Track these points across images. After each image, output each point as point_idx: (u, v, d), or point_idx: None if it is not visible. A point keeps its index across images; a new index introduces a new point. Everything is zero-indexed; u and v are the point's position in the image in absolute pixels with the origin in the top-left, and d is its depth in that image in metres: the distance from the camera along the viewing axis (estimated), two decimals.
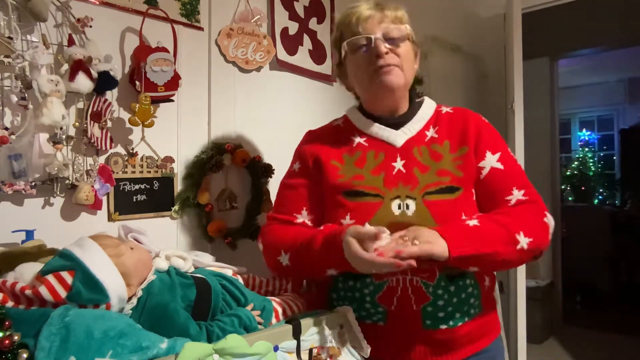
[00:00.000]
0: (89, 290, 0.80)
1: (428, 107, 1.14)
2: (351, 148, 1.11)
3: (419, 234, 0.89)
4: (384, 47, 1.02)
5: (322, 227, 1.03)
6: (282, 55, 1.75)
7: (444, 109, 1.14)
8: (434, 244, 0.88)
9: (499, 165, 1.05)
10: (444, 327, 0.98)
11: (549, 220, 1.03)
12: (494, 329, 1.10)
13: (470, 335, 1.03)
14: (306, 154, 1.14)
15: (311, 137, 1.20)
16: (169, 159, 1.42)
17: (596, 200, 6.16)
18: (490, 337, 1.09)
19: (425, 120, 1.11)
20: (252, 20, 1.64)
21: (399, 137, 1.08)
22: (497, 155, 1.06)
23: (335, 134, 1.16)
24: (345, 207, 1.03)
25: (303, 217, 1.11)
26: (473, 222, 0.96)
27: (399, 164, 1.05)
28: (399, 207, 0.99)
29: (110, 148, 1.27)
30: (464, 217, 0.99)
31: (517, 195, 1.03)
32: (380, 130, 1.10)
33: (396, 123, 1.10)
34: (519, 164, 1.11)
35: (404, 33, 1.06)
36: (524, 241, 0.95)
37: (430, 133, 1.09)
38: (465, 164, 1.04)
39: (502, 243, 0.94)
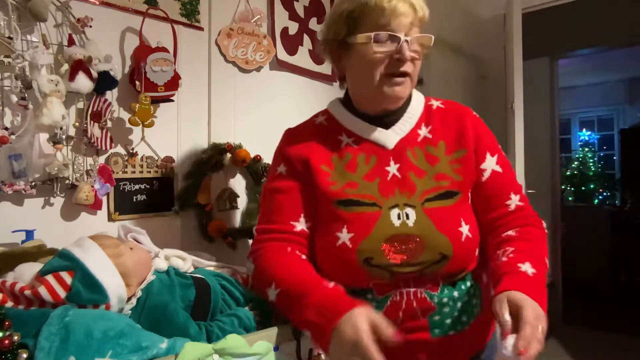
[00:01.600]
0: (88, 291, 0.80)
1: (417, 101, 1.06)
2: (340, 150, 1.02)
3: (536, 318, 0.77)
4: (409, 53, 0.94)
5: (325, 284, 0.87)
6: (282, 55, 1.75)
7: (434, 103, 1.08)
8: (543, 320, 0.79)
9: (498, 169, 1.02)
10: (452, 333, 0.96)
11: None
12: (491, 325, 1.09)
13: (475, 335, 1.01)
14: (292, 156, 1.03)
15: (293, 137, 1.08)
16: (169, 159, 1.42)
17: (596, 200, 6.16)
18: (489, 333, 1.07)
19: (417, 118, 1.04)
20: (252, 20, 1.64)
21: (390, 137, 1.01)
22: (496, 157, 1.03)
23: (319, 134, 1.06)
24: (340, 218, 0.95)
25: (301, 225, 1.00)
26: (532, 271, 0.88)
27: (393, 168, 0.98)
28: (399, 217, 0.93)
29: (110, 148, 1.27)
30: (513, 259, 0.91)
31: (514, 200, 1.01)
32: (369, 130, 1.02)
33: (385, 121, 1.02)
34: (510, 165, 1.07)
35: (428, 44, 0.99)
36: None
37: (423, 132, 1.02)
38: (464, 167, 1.00)
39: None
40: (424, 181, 0.97)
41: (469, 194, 1.02)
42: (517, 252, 0.92)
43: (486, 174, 1.02)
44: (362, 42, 0.96)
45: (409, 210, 0.94)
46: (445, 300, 0.95)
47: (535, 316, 0.77)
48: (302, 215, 1.01)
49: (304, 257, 0.98)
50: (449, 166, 0.99)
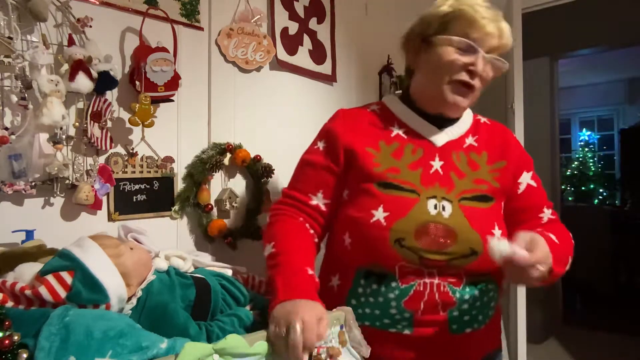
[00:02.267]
0: (88, 291, 0.80)
1: (467, 115, 1.13)
2: (388, 137, 1.06)
3: (541, 252, 0.89)
4: (482, 68, 1.00)
5: (307, 269, 0.94)
6: (282, 55, 1.75)
7: (481, 119, 1.16)
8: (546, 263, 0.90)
9: (533, 183, 1.11)
10: (469, 330, 0.99)
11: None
12: (499, 329, 1.13)
13: (486, 336, 1.05)
14: (338, 139, 1.07)
15: (345, 119, 1.11)
16: (169, 159, 1.42)
17: (596, 200, 6.16)
18: (498, 338, 1.12)
19: (467, 127, 1.10)
20: (252, 20, 1.64)
21: (440, 136, 1.06)
22: (531, 173, 1.12)
23: (372, 120, 1.10)
24: (377, 197, 0.99)
25: (317, 200, 1.06)
26: (557, 241, 0.99)
27: (437, 164, 1.03)
28: (435, 207, 0.97)
29: (110, 148, 1.27)
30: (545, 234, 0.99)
31: (547, 214, 1.10)
32: (422, 125, 1.07)
33: (440, 122, 1.08)
34: (541, 183, 1.16)
35: (500, 71, 1.05)
36: (566, 267, 1.01)
37: (470, 141, 1.08)
38: (503, 176, 1.06)
39: (565, 264, 1.01)
40: (463, 182, 1.02)
41: (502, 204, 1.07)
42: (546, 230, 1.03)
43: (522, 187, 1.09)
44: (445, 44, 1.00)
45: (445, 203, 0.98)
46: (466, 297, 0.97)
47: (544, 258, 0.88)
48: (321, 191, 1.07)
49: (311, 231, 1.05)
50: (489, 174, 1.05)
